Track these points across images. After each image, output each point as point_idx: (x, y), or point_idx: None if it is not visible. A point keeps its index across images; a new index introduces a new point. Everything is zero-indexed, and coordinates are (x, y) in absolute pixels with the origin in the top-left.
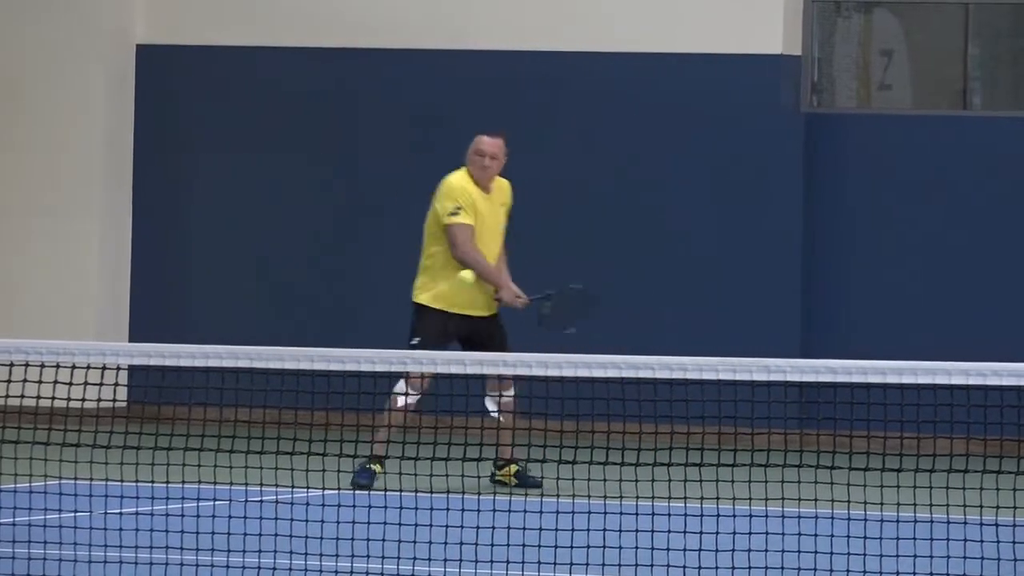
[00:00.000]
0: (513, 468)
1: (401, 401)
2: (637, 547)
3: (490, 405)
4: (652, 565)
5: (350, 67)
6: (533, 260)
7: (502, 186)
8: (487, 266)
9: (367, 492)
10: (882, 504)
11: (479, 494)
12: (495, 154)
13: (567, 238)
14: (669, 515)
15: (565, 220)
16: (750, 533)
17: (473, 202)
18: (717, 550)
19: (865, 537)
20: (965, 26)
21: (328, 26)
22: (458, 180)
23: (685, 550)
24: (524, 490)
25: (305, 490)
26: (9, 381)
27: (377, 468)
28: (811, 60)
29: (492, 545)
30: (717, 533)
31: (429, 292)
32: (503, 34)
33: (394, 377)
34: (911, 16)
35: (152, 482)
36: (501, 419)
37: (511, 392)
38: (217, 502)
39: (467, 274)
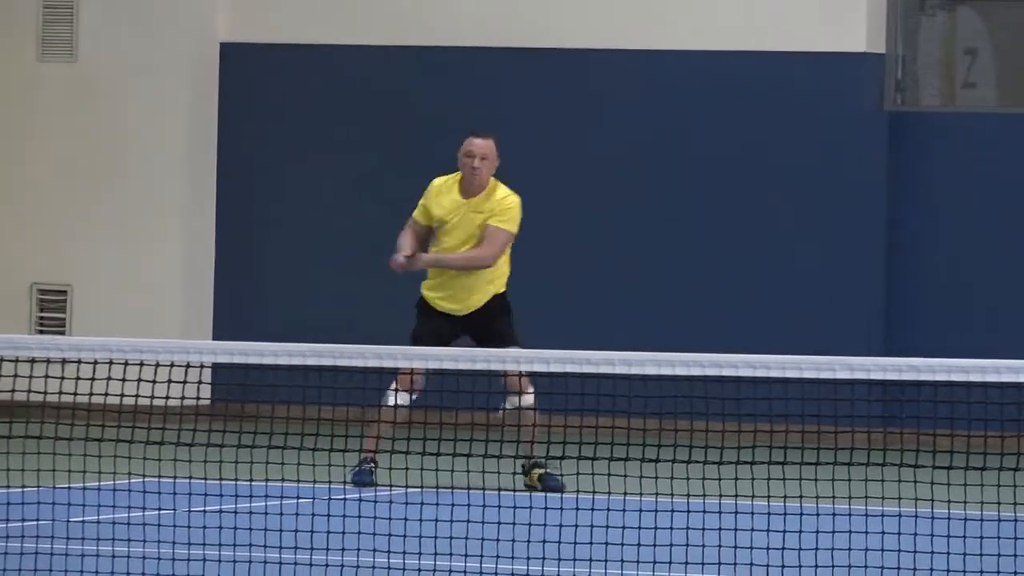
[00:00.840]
0: (537, 473)
1: (392, 399)
2: (720, 545)
3: (509, 405)
4: (735, 564)
5: (433, 66)
6: (612, 250)
7: (490, 196)
8: (400, 239)
9: (372, 488)
10: (966, 503)
11: (483, 489)
12: (484, 154)
13: (651, 233)
14: (752, 514)
15: (646, 215)
16: (833, 532)
17: (436, 200)
18: (800, 549)
19: (949, 536)
20: None
21: (412, 24)
22: (438, 180)
23: (768, 548)
24: (547, 493)
25: (388, 488)
26: (93, 379)
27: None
28: (895, 58)
29: (565, 543)
30: (800, 532)
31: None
32: (587, 33)
33: (478, 375)
34: (996, 14)
35: (236, 480)
36: (506, 410)
37: (530, 396)
38: (300, 500)
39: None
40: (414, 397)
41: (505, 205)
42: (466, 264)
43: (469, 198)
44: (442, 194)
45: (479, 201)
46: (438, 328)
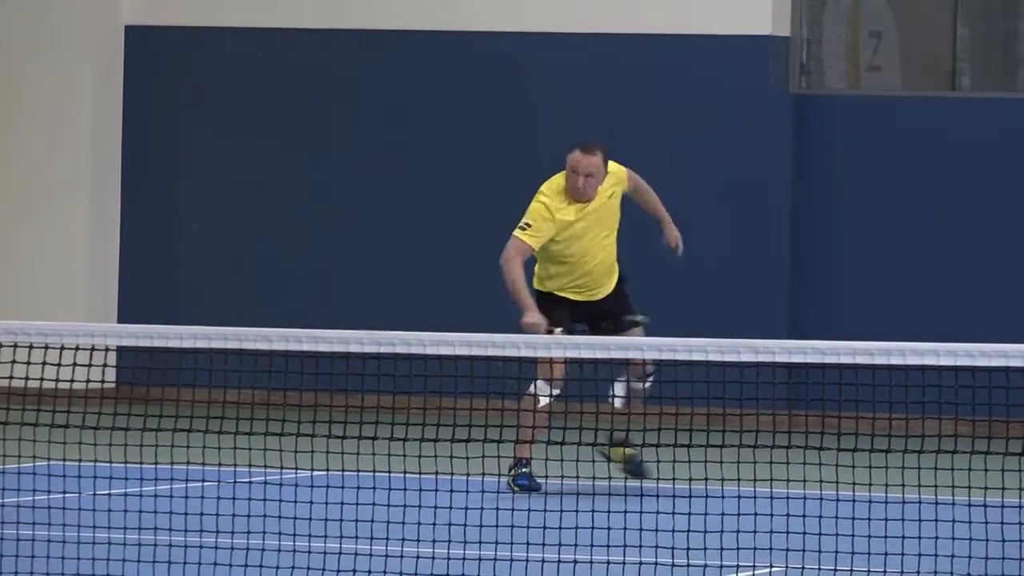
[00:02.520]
0: (626, 451)
1: (543, 401)
2: (625, 528)
3: (619, 392)
4: (640, 546)
5: (341, 48)
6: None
7: (610, 174)
8: (515, 287)
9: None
10: (870, 485)
11: (468, 475)
12: (590, 172)
13: None
14: (657, 496)
15: None
16: (739, 515)
17: (561, 227)
18: (705, 531)
19: (853, 518)
20: (954, 7)
21: (320, 6)
22: (552, 200)
23: (674, 531)
24: (636, 479)
25: (293, 471)
26: None
27: (527, 470)
28: (800, 41)
29: (476, 525)
30: (706, 514)
31: (540, 280)
32: (488, 15)
33: (383, 358)
34: None
35: (141, 463)
36: (620, 405)
37: (650, 380)
38: (206, 483)
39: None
40: (556, 392)
41: (618, 168)
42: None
43: (585, 204)
44: (564, 214)
45: (600, 196)
46: (567, 312)
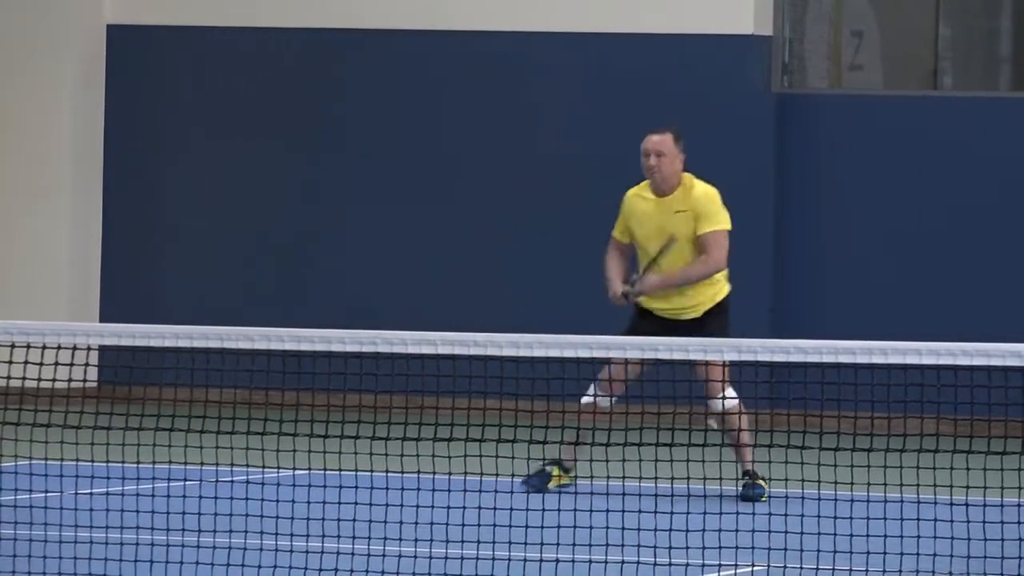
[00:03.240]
0: (752, 481)
1: (585, 400)
2: (608, 527)
3: (713, 423)
4: (623, 545)
5: (327, 47)
6: (501, 239)
7: (690, 193)
8: (605, 275)
9: (539, 493)
10: (852, 484)
11: (450, 474)
12: (659, 151)
13: (534, 218)
14: (640, 495)
15: (531, 200)
16: (721, 513)
17: (628, 216)
18: (688, 530)
19: (835, 517)
20: (936, 6)
21: (304, 6)
22: (630, 191)
23: (656, 530)
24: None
25: (275, 470)
26: None
27: (554, 471)
28: (782, 40)
29: (458, 525)
30: (688, 513)
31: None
32: (479, 15)
33: (365, 357)
34: None
35: (122, 462)
36: (713, 424)
37: (729, 400)
38: (188, 482)
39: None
40: (603, 396)
41: (706, 201)
42: (695, 277)
43: (663, 196)
44: (636, 204)
45: (675, 200)
46: (645, 332)
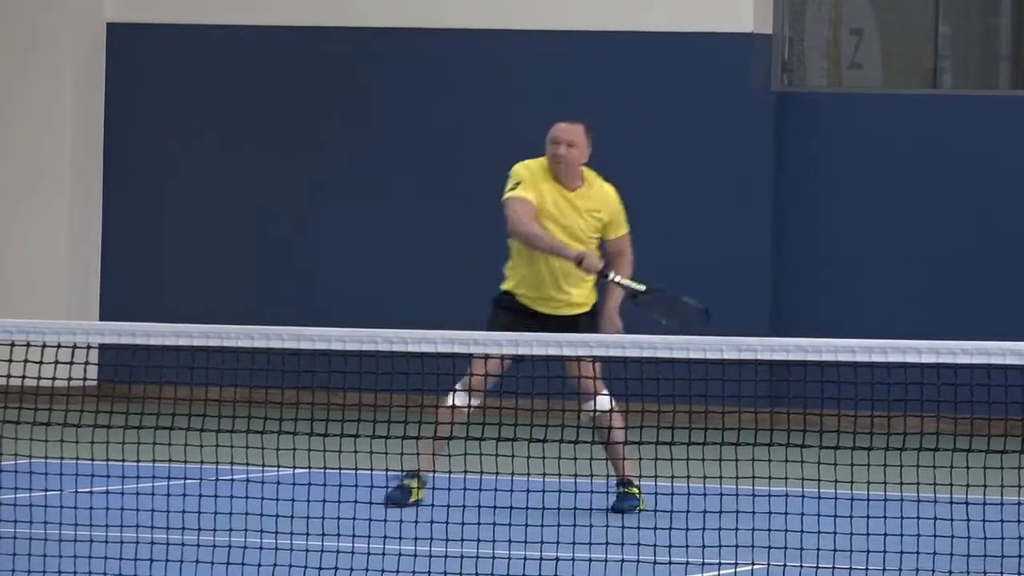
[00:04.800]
0: (628, 491)
1: (448, 401)
2: (608, 525)
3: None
4: (622, 544)
5: (326, 45)
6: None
7: (598, 193)
8: (544, 238)
9: (398, 507)
10: (852, 482)
11: (450, 473)
12: (571, 141)
13: None
14: (639, 494)
15: None
16: (720, 512)
17: (536, 185)
18: (687, 529)
19: (835, 516)
20: (936, 5)
21: (306, 4)
22: (530, 162)
23: (655, 529)
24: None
25: (275, 469)
26: None
27: (413, 484)
28: (782, 39)
29: (458, 523)
30: (688, 512)
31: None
32: (474, 13)
33: (365, 356)
34: None
35: (122, 460)
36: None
37: (604, 405)
38: (188, 481)
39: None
40: (475, 403)
41: (619, 205)
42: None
43: (571, 191)
44: (543, 180)
45: (583, 197)
46: (515, 328)
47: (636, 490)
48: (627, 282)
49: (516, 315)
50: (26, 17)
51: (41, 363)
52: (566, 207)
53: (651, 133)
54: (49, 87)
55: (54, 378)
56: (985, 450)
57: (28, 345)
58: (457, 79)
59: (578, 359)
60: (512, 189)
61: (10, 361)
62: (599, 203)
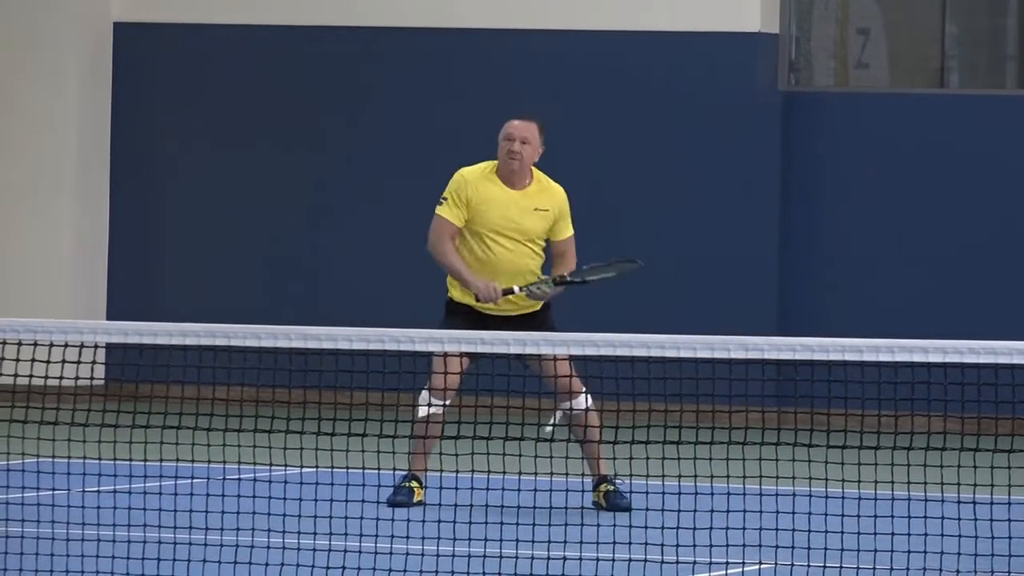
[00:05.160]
0: (604, 489)
1: (423, 411)
2: (615, 525)
3: (552, 419)
4: (630, 543)
5: (332, 45)
6: None
7: (547, 190)
8: (452, 263)
9: (403, 507)
10: (859, 482)
11: (457, 472)
12: (525, 138)
13: None
14: (647, 493)
15: None
16: (728, 511)
17: (475, 200)
18: (695, 528)
19: (843, 515)
20: (943, 4)
21: (312, 3)
22: (469, 172)
23: (663, 528)
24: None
25: (283, 468)
26: None
27: (414, 485)
28: (789, 38)
29: (465, 523)
30: (695, 511)
31: (450, 285)
32: (476, 12)
33: (372, 355)
34: None
35: (129, 460)
36: (549, 432)
37: (582, 403)
38: (195, 480)
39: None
40: (447, 403)
41: (567, 204)
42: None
43: (514, 188)
44: (485, 188)
45: (532, 195)
46: (468, 326)
47: (614, 487)
48: (536, 288)
49: (469, 320)
50: (31, 16)
51: (48, 362)
52: (514, 208)
53: (658, 133)
54: (55, 87)
55: (61, 377)
56: (993, 449)
57: (35, 344)
58: (461, 79)
59: (554, 358)
60: (440, 203)
61: (17, 360)
62: (548, 202)
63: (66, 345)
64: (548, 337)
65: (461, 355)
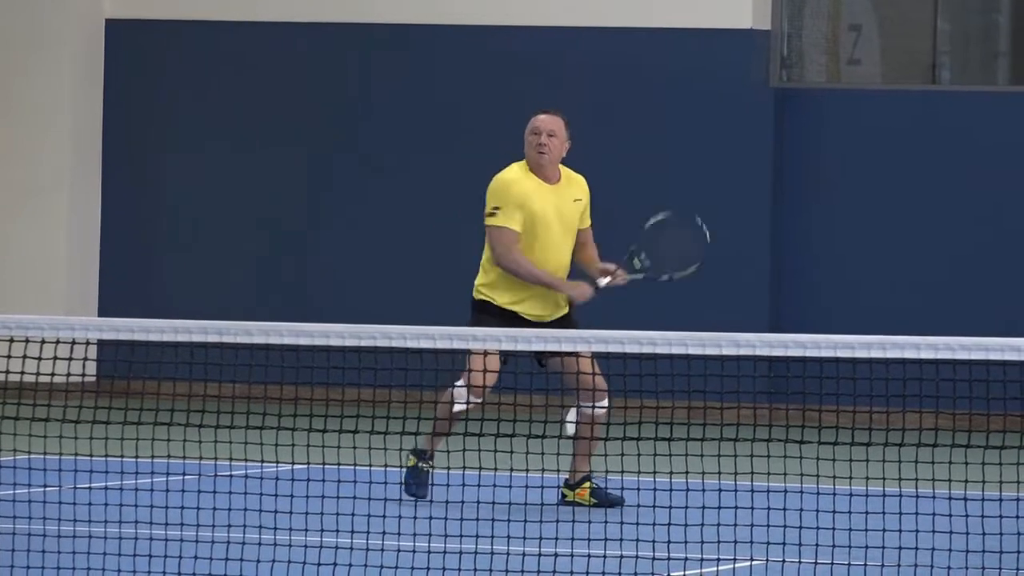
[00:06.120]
0: (589, 485)
1: (460, 406)
2: (607, 521)
3: (570, 417)
4: (621, 540)
5: (326, 42)
6: None
7: (574, 180)
8: (534, 272)
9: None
10: (851, 478)
11: (448, 469)
12: (552, 130)
13: None
14: (638, 489)
15: None
16: (719, 508)
17: (523, 199)
18: (686, 525)
19: (834, 511)
20: (935, 1)
21: (305, 0)
22: (507, 174)
23: (654, 525)
24: (602, 508)
25: (275, 464)
26: None
27: (424, 466)
28: (781, 35)
29: (456, 519)
30: (686, 508)
31: (489, 289)
32: (472, 9)
33: (364, 352)
34: None
35: (121, 456)
36: (573, 431)
37: (604, 404)
38: (186, 476)
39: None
40: (477, 400)
41: (589, 193)
42: None
43: (553, 184)
44: (527, 186)
45: (566, 187)
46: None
47: (597, 484)
48: (619, 279)
49: (504, 324)
50: (24, 14)
51: (40, 359)
52: (557, 202)
53: (650, 129)
54: (48, 84)
55: (53, 374)
56: (984, 446)
57: (27, 341)
58: (454, 75)
59: (577, 355)
60: (492, 215)
61: (9, 357)
62: (579, 191)
63: (58, 342)
64: (540, 334)
65: (499, 354)
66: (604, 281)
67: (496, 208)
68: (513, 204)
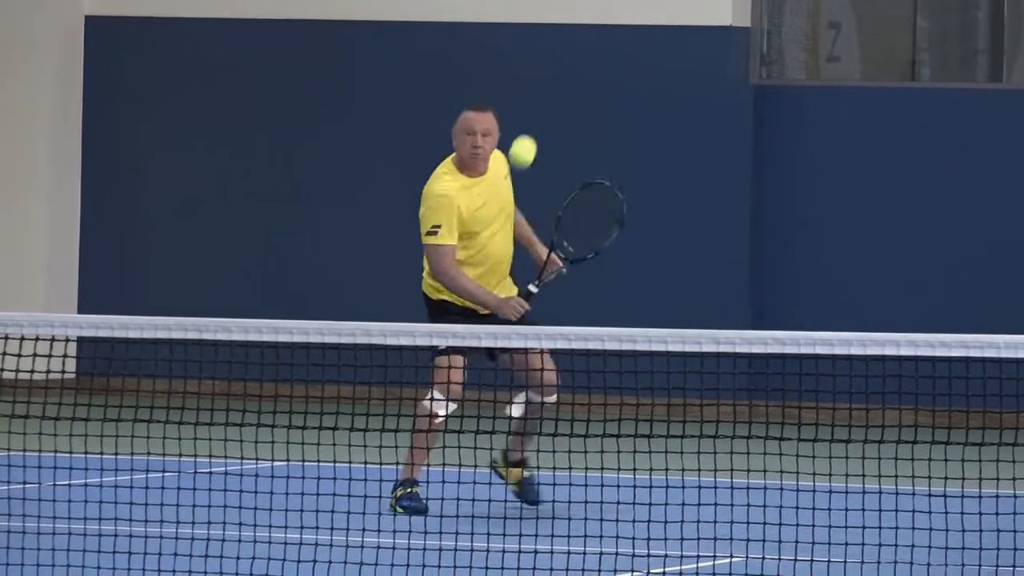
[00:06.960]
0: (521, 473)
1: (441, 414)
2: (586, 518)
3: (519, 399)
4: (601, 536)
5: (307, 39)
6: None
7: (495, 157)
8: (468, 288)
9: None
10: (831, 475)
11: (428, 465)
12: (487, 129)
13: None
14: (618, 487)
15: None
16: (699, 504)
17: (462, 209)
18: (666, 521)
19: (814, 508)
20: None
21: None
22: (441, 185)
23: (634, 521)
24: (521, 504)
25: (254, 461)
26: None
27: (415, 489)
28: (761, 32)
29: (436, 516)
30: (666, 504)
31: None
32: (451, 5)
33: (344, 349)
34: None
35: (101, 453)
36: (519, 413)
37: (553, 398)
38: (167, 473)
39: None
40: (454, 407)
41: (502, 162)
42: None
43: (482, 174)
44: (460, 194)
45: (493, 169)
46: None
47: (530, 475)
48: (550, 275)
49: (461, 320)
50: (2, 11)
51: (19, 356)
52: (490, 191)
53: (630, 126)
54: (27, 80)
55: (32, 371)
56: (963, 443)
57: (6, 338)
58: (441, 72)
59: (541, 352)
60: (432, 233)
61: None
62: (502, 168)
63: (37, 339)
64: (519, 330)
65: (463, 355)
66: (535, 286)
67: (436, 227)
68: (454, 219)
